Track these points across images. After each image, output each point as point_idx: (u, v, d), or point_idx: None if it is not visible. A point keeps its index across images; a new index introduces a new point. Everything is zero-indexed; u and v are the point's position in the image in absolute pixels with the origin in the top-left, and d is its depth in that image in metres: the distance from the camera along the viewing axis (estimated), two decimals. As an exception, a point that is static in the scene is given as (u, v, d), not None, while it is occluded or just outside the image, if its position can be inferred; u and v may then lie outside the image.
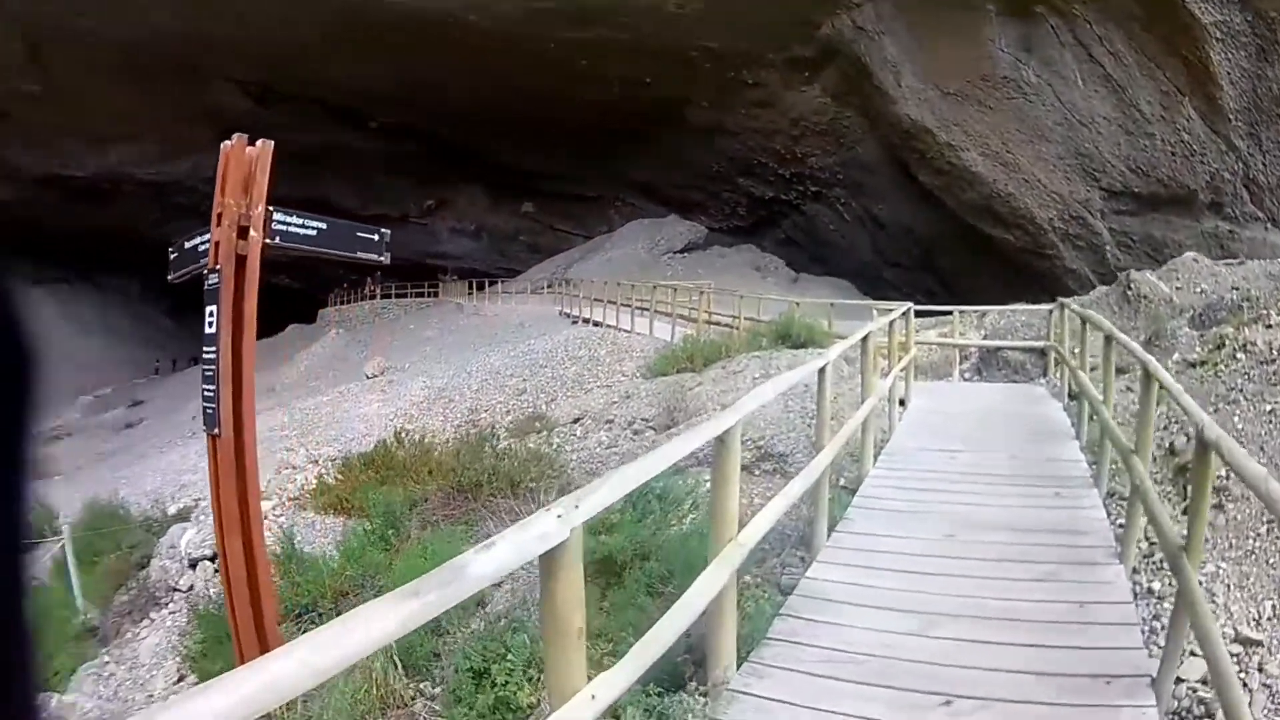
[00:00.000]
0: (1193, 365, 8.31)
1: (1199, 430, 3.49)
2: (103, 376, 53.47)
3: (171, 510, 14.72)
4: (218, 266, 5.17)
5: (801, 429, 9.51)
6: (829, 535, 5.84)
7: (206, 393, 5.40)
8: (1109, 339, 7.01)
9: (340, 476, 11.97)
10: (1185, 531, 3.62)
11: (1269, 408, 6.50)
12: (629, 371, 16.55)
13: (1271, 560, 4.88)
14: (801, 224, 38.84)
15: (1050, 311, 12.84)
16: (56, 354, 57.06)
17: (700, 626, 3.83)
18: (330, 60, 34.10)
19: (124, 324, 59.68)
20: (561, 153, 40.49)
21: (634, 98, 33.43)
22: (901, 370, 9.70)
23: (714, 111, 33.76)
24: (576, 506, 2.54)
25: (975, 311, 16.96)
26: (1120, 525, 5.76)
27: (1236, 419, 6.53)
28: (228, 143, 5.20)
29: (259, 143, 5.43)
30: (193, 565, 11.04)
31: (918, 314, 12.06)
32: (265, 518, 11.58)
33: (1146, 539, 5.49)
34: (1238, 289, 11.43)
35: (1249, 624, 4.52)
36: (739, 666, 4.02)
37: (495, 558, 2.26)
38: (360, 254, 6.07)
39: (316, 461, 14.44)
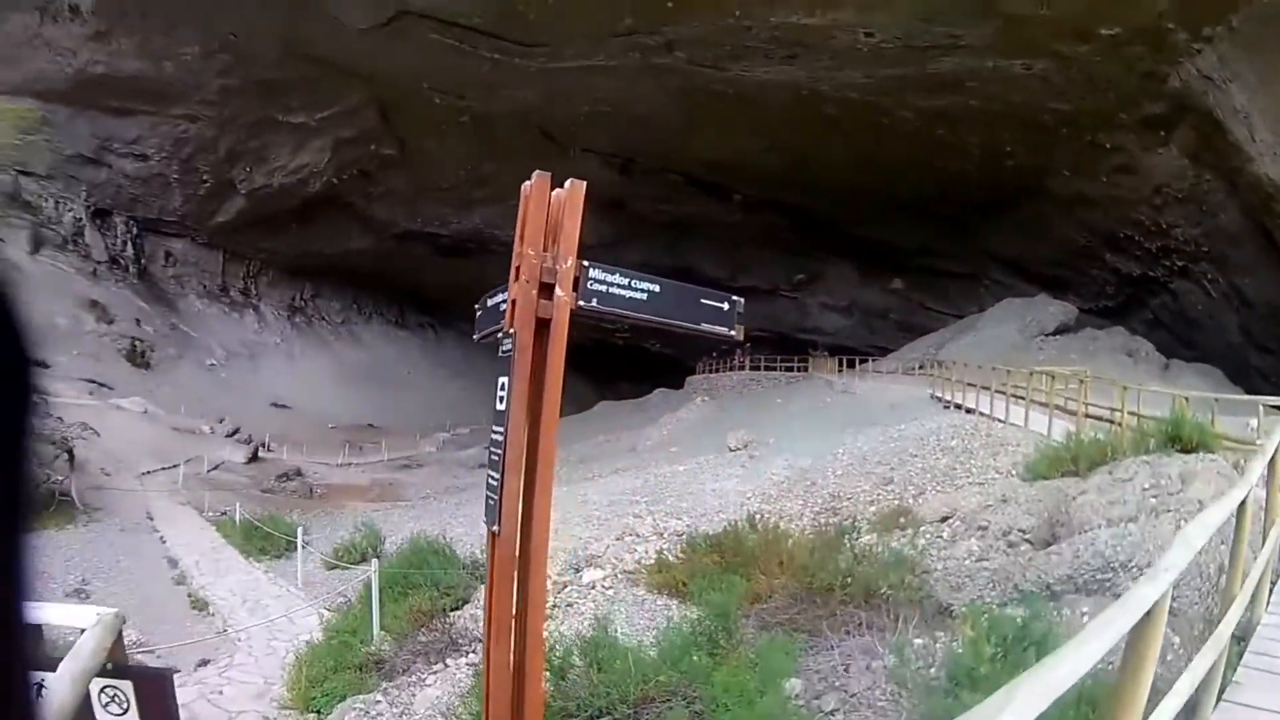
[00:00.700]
0: None
1: None
2: (463, 416, 58.42)
3: None
4: (513, 330, 4.45)
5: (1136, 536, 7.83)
6: (1216, 705, 4.34)
7: (491, 480, 4.66)
8: None
9: (682, 555, 11.53)
10: None
11: None
12: (1003, 468, 14.86)
13: None
14: (1169, 304, 35.50)
15: None
16: (420, 392, 63.70)
17: None
18: (688, 134, 35.70)
19: (488, 368, 64.97)
20: (927, 228, 39.78)
21: (994, 167, 32.37)
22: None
23: (1074, 180, 31.82)
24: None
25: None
26: None
27: None
28: (527, 184, 4.46)
29: (568, 184, 4.54)
30: (503, 620, 11.01)
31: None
32: (593, 587, 11.48)
33: None
34: None
35: None
36: None
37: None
38: (705, 325, 4.82)
39: (661, 534, 14.09)
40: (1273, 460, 5.78)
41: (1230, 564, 4.56)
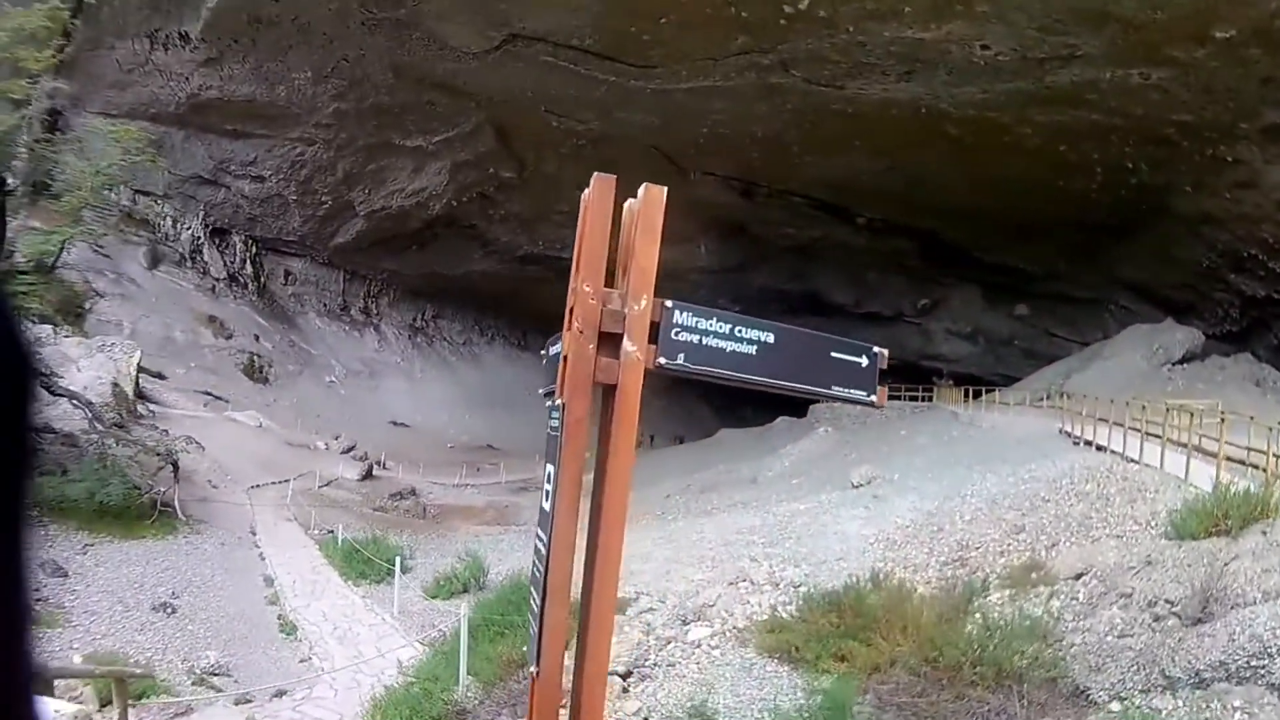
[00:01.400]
0: None
1: None
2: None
3: None
4: (562, 400, 3.23)
5: None
6: None
7: (533, 604, 3.38)
8: None
9: (797, 613, 10.47)
10: None
11: None
12: (1142, 519, 13.41)
13: None
14: (1293, 327, 33.32)
15: None
16: (540, 414, 63.30)
17: None
18: (807, 155, 35.13)
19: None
20: (1052, 252, 38.58)
21: (1118, 185, 31.14)
22: None
23: (1197, 197, 30.33)
24: None
25: None
26: None
27: None
28: (587, 190, 3.36)
29: (641, 191, 3.39)
30: (601, 677, 10.07)
31: None
32: (698, 646, 10.54)
33: None
34: None
35: None
36: None
37: None
38: (836, 389, 3.54)
39: (777, 584, 13.03)
40: None
41: None
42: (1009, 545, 13.75)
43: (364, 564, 21.72)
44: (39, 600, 15.19)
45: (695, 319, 3.37)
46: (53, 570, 16.62)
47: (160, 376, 41.76)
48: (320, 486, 36.58)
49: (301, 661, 14.22)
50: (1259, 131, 26.18)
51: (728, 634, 10.61)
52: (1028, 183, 31.96)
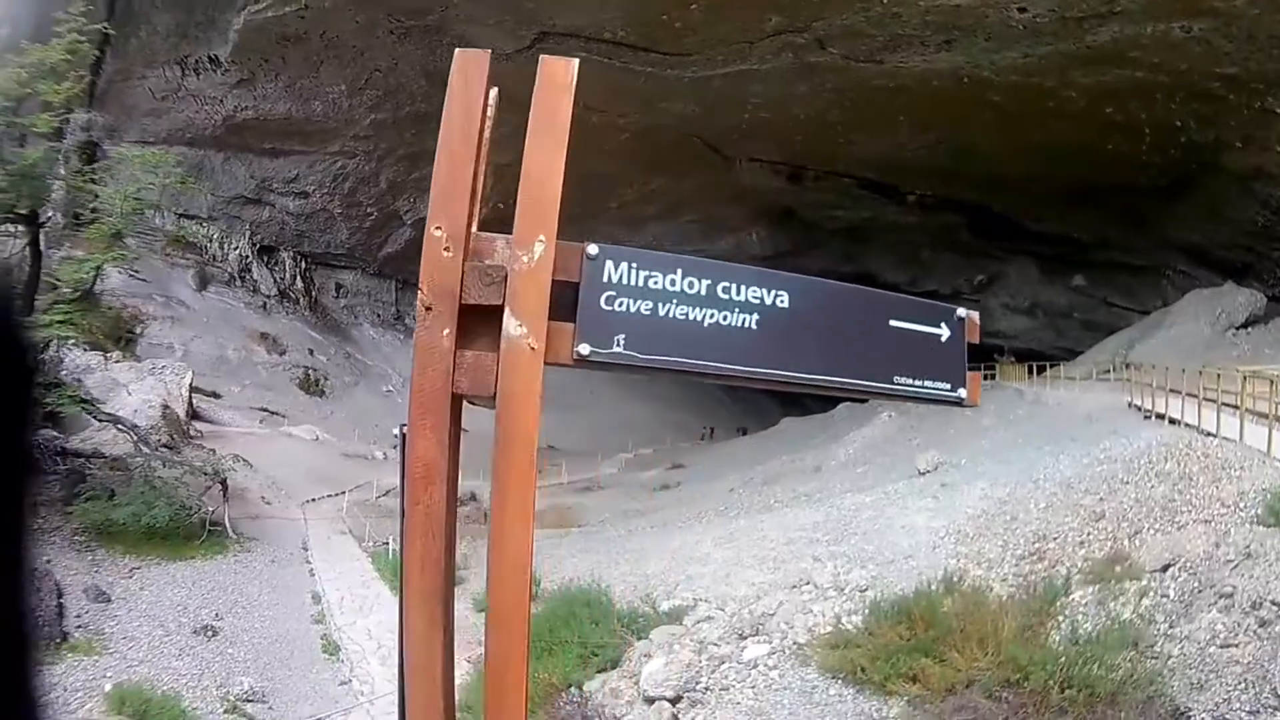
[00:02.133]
0: None
1: None
2: (645, 436, 57.10)
3: (663, 607, 13.27)
4: (399, 432, 2.17)
5: None
6: None
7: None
8: None
9: (864, 625, 9.64)
10: None
11: None
12: (1230, 500, 12.38)
13: None
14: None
15: None
16: (601, 413, 62.98)
17: None
18: (852, 134, 34.79)
19: (674, 390, 63.97)
20: (1105, 219, 37.90)
21: (1166, 145, 30.57)
22: None
23: (1247, 152, 29.59)
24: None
25: None
26: None
27: None
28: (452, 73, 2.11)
29: (540, 66, 2.21)
30: (649, 702, 9.33)
31: None
32: (754, 666, 9.78)
33: None
34: None
35: None
36: None
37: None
38: (903, 381, 2.20)
39: (841, 588, 12.20)
40: None
41: None
42: (1089, 534, 12.84)
43: (414, 575, 21.34)
44: (76, 625, 14.93)
45: (644, 273, 2.01)
46: (95, 595, 16.42)
47: (215, 396, 42.01)
48: (378, 497, 36.34)
49: (341, 684, 13.85)
50: (1306, 81, 25.54)
51: (787, 651, 9.82)
52: (1075, 148, 31.34)
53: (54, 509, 19.11)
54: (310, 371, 52.47)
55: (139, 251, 28.17)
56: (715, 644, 10.12)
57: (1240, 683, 6.60)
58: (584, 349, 1.98)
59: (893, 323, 2.20)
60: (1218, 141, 29.91)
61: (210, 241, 51.50)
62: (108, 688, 12.29)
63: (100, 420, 22.69)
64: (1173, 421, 20.07)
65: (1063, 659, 6.66)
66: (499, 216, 2.21)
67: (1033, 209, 38.79)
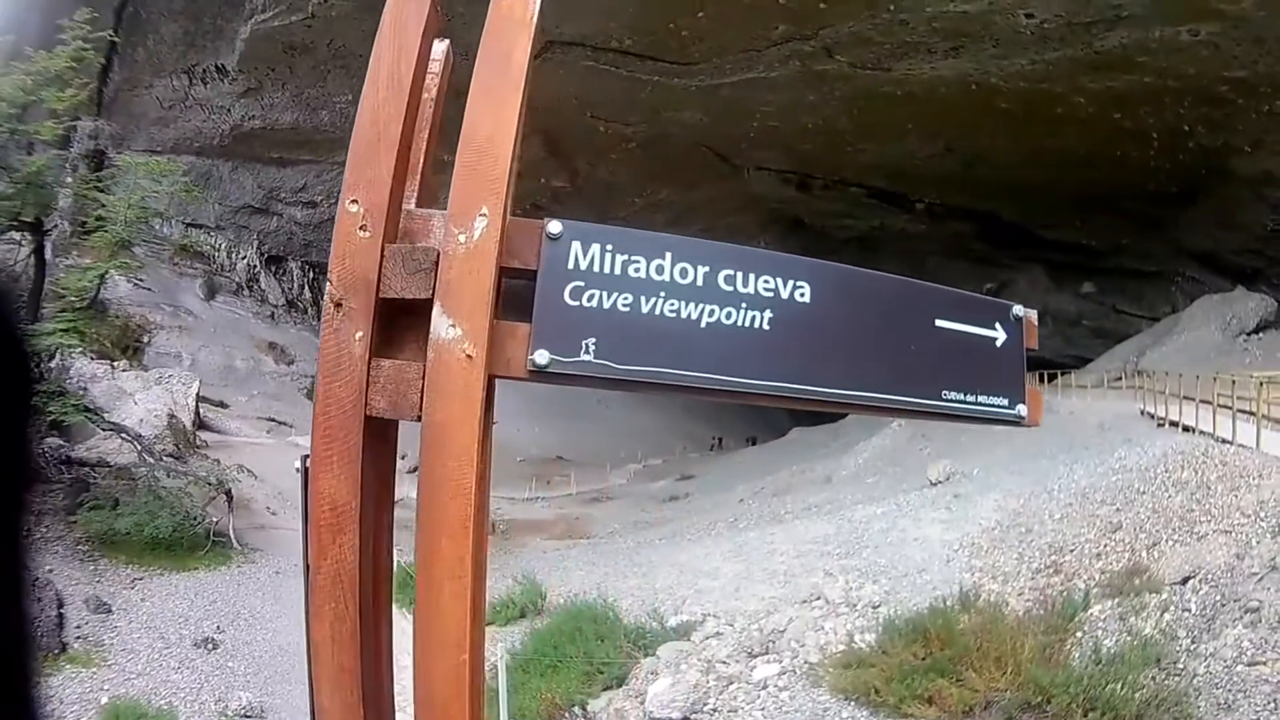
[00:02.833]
0: None
1: None
2: (655, 446, 56.85)
3: (671, 622, 13.03)
4: (301, 467, 1.65)
5: None
6: None
7: None
8: None
9: (877, 644, 9.40)
10: None
11: None
12: (1249, 510, 12.11)
13: None
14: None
15: None
16: (611, 422, 62.74)
17: None
18: (861, 143, 34.72)
19: (683, 400, 63.71)
20: (1114, 225, 38.02)
21: (1174, 150, 30.65)
22: None
23: (1257, 157, 29.83)
24: None
25: None
26: None
27: None
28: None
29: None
30: (655, 726, 9.09)
31: None
32: (764, 686, 9.55)
33: None
34: None
35: None
36: None
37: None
38: (951, 396, 1.77)
39: (854, 604, 11.95)
40: None
41: None
42: (1106, 546, 12.58)
43: (415, 588, 21.08)
44: (75, 636, 14.75)
45: (621, 257, 1.59)
46: (96, 606, 16.24)
47: (222, 405, 41.94)
48: (383, 507, 36.23)
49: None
50: (1314, 84, 25.69)
51: (798, 671, 9.57)
52: (1084, 154, 31.43)
53: (57, 518, 18.97)
54: (318, 381, 52.56)
55: (146, 260, 28.13)
56: (724, 662, 9.89)
57: (1270, 703, 6.37)
58: (541, 357, 1.53)
59: (939, 322, 1.79)
60: (1227, 146, 29.93)
61: (218, 251, 51.65)
62: (104, 701, 12.12)
63: (104, 429, 22.53)
64: (1187, 429, 19.87)
65: (1085, 680, 6.42)
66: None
67: (1041, 216, 38.76)
